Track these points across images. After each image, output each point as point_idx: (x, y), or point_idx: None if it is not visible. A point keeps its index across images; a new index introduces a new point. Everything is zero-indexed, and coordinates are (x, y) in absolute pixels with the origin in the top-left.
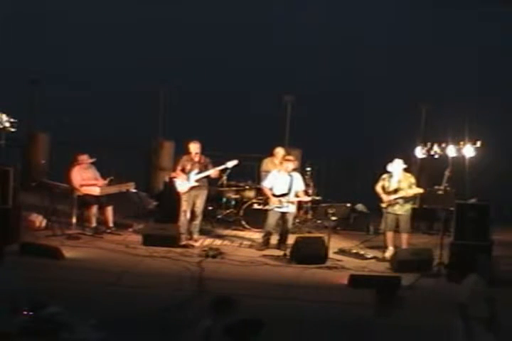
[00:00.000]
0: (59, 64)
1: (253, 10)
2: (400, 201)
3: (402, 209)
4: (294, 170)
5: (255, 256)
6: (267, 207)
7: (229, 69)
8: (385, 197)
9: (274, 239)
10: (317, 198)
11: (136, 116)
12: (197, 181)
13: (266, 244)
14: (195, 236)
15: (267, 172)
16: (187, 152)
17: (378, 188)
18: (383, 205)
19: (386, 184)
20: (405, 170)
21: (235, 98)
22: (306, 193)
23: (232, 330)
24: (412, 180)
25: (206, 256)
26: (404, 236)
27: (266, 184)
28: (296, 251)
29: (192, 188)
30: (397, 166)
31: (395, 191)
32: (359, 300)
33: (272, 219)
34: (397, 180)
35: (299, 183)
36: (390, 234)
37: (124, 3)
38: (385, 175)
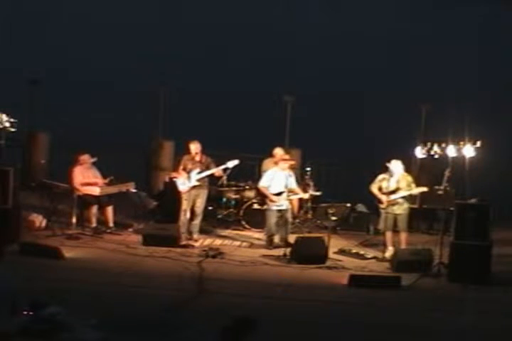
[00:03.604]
0: (59, 64)
1: (253, 10)
2: (400, 200)
3: (401, 209)
4: (292, 169)
5: (255, 256)
6: (265, 207)
7: (229, 69)
8: (384, 198)
9: (276, 238)
10: (317, 194)
11: (136, 116)
12: (198, 181)
13: (271, 243)
14: (195, 236)
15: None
16: (188, 152)
17: (375, 190)
18: (382, 206)
19: (384, 184)
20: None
21: (235, 98)
22: (305, 190)
23: (227, 332)
24: (410, 178)
25: (206, 256)
26: (403, 235)
27: (263, 183)
28: (296, 251)
29: (193, 188)
30: (396, 166)
31: (395, 191)
32: (359, 300)
33: (272, 219)
34: (396, 180)
35: (292, 181)
36: (389, 234)
37: (125, 4)
38: (381, 176)
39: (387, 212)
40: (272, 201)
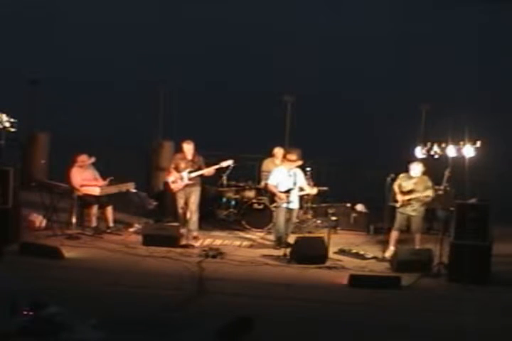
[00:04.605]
0: (59, 64)
1: (253, 10)
2: (414, 202)
3: (414, 211)
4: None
5: (255, 256)
6: (274, 205)
7: (229, 69)
8: (399, 197)
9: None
10: (325, 188)
11: (136, 116)
12: (190, 179)
13: (280, 243)
14: (195, 233)
15: (268, 172)
16: (180, 150)
17: (395, 187)
18: (397, 205)
19: (403, 183)
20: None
21: (235, 98)
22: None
23: (224, 332)
24: (429, 183)
25: (206, 256)
26: (417, 237)
27: (271, 181)
28: (296, 251)
29: (186, 186)
30: (414, 169)
31: (410, 192)
32: (359, 300)
33: (281, 217)
34: (414, 182)
35: (301, 178)
36: (394, 234)
37: (125, 4)
38: (402, 175)
39: (401, 212)
40: (280, 199)
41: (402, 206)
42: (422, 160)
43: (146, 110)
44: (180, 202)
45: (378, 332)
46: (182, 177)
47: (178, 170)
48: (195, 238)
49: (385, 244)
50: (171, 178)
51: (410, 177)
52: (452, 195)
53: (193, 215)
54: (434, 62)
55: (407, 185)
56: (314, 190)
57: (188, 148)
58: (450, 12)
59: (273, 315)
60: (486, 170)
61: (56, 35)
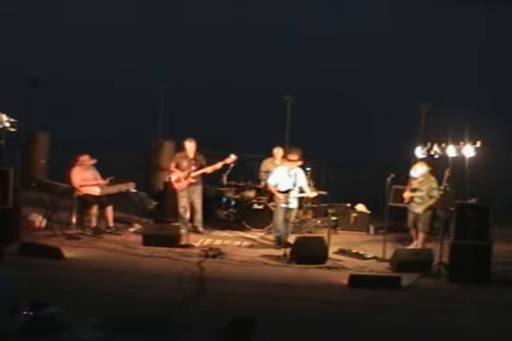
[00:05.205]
0: (59, 64)
1: (253, 9)
2: (418, 200)
3: (417, 208)
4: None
5: (255, 256)
6: (272, 204)
7: (229, 69)
8: (405, 194)
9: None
10: (323, 193)
11: (136, 116)
12: (193, 178)
13: (280, 242)
14: (201, 229)
15: (267, 172)
16: (181, 149)
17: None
18: (405, 201)
19: (412, 181)
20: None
21: (235, 98)
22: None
23: (224, 332)
24: (434, 185)
25: (206, 256)
26: (421, 236)
27: (271, 181)
28: (296, 251)
29: (189, 185)
30: (415, 169)
31: (414, 190)
32: (359, 300)
33: (280, 216)
34: (419, 181)
35: (302, 178)
36: (412, 232)
37: (125, 4)
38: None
39: (409, 209)
40: (278, 199)
41: (407, 203)
42: (426, 160)
43: (146, 110)
44: (183, 201)
45: (378, 332)
46: (186, 175)
47: (179, 168)
48: (201, 234)
49: (410, 239)
50: (173, 177)
51: (415, 176)
52: (452, 195)
53: (197, 214)
54: (434, 62)
55: (414, 183)
56: (313, 194)
57: (190, 145)
58: (450, 12)
59: (273, 315)
60: (486, 170)
61: (56, 35)
